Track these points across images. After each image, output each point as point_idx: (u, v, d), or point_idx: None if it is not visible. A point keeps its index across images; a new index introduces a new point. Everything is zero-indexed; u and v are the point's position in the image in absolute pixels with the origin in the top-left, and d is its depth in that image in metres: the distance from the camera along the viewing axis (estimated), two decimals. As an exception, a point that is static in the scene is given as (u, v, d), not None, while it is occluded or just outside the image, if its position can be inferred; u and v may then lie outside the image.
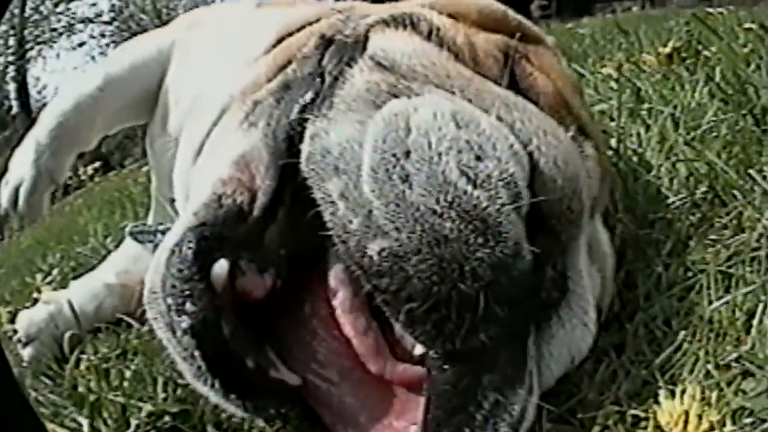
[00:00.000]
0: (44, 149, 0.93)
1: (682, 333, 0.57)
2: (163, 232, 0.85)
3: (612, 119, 1.06)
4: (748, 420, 0.46)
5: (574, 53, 1.64)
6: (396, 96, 0.48)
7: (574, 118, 0.56)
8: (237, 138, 0.55)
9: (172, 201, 0.89)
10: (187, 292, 0.45)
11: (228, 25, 0.86)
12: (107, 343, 0.89)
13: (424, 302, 0.40)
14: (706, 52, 1.05)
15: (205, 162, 0.61)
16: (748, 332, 0.54)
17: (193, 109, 0.75)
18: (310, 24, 0.68)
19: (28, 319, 1.02)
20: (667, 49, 1.11)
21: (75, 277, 1.28)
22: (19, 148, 0.98)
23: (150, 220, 1.04)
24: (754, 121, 0.81)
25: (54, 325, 0.99)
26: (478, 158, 0.42)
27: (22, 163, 0.95)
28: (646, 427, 0.48)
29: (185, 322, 0.45)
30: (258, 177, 0.50)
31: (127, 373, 0.73)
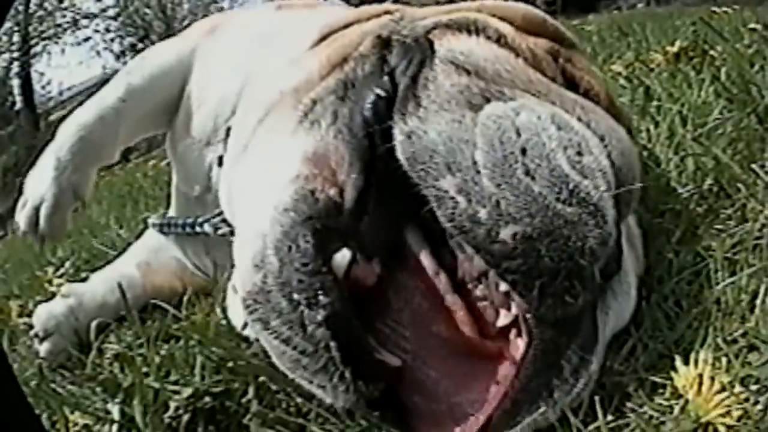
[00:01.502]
0: (66, 164, 0.91)
1: (693, 312, 0.62)
2: (192, 225, 0.87)
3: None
4: (755, 387, 0.52)
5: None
6: (488, 99, 0.52)
7: (621, 116, 0.62)
8: (298, 136, 0.56)
9: (197, 198, 0.91)
10: (317, 285, 0.47)
11: (252, 30, 0.88)
12: (132, 331, 0.89)
13: (554, 277, 0.46)
14: (712, 52, 1.10)
15: (256, 160, 0.61)
16: (752, 311, 0.60)
17: (235, 109, 0.76)
18: (357, 23, 0.70)
19: (47, 313, 1.01)
20: (675, 49, 1.16)
21: (89, 270, 1.30)
22: (36, 167, 0.94)
23: (171, 213, 1.05)
24: (758, 120, 0.86)
25: (74, 318, 0.99)
26: (580, 153, 0.49)
27: (41, 182, 0.92)
28: (663, 393, 0.53)
29: (320, 314, 0.46)
30: (340, 172, 0.52)
31: (156, 359, 0.74)
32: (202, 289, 1.01)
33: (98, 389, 0.74)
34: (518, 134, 0.49)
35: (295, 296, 0.47)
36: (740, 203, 0.75)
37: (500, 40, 0.59)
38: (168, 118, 0.95)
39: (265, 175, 0.56)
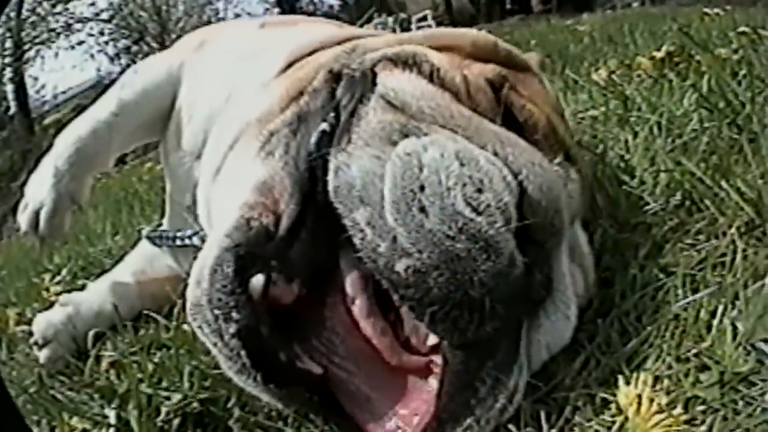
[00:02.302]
0: (64, 174, 0.98)
1: (649, 328, 0.63)
2: (181, 239, 0.92)
3: (603, 124, 1.12)
4: (701, 408, 0.53)
5: (571, 55, 1.68)
6: (407, 135, 0.56)
7: (561, 145, 0.64)
8: (256, 165, 0.61)
9: (188, 208, 0.96)
10: (232, 304, 0.53)
11: (236, 47, 0.92)
12: (126, 340, 0.94)
13: (442, 306, 0.49)
14: (698, 57, 1.10)
15: (225, 184, 0.68)
16: (708, 330, 0.61)
17: (212, 131, 0.81)
18: (317, 51, 0.74)
19: (46, 322, 1.06)
20: (661, 54, 1.16)
21: (85, 277, 1.35)
22: (36, 173, 1.02)
23: (165, 224, 1.09)
24: (737, 130, 0.86)
25: (72, 326, 1.04)
26: (479, 190, 0.51)
27: (41, 187, 0.99)
28: (611, 409, 0.55)
29: (232, 327, 0.53)
30: (282, 201, 0.57)
31: (150, 366, 0.78)
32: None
33: (96, 395, 0.78)
34: (420, 170, 0.52)
35: (216, 312, 0.54)
36: (711, 218, 0.75)
37: (433, 74, 0.62)
38: (160, 128, 0.99)
39: (228, 200, 0.62)
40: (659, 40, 1.45)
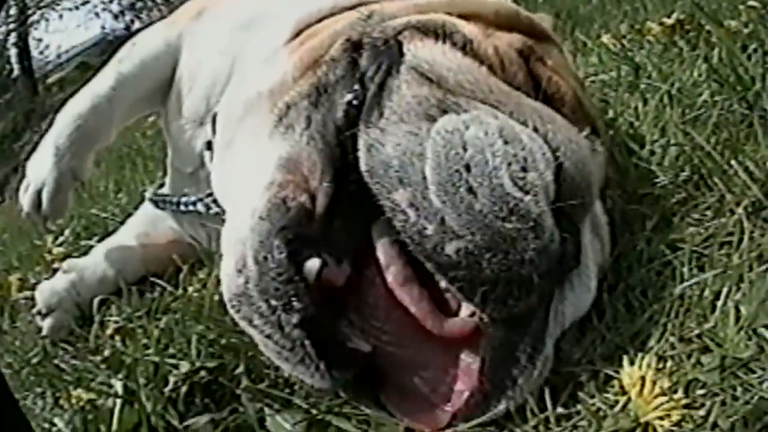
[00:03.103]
0: (65, 151, 0.97)
1: (655, 306, 0.64)
2: (186, 204, 0.91)
3: (614, 89, 1.10)
4: (701, 392, 0.54)
5: (580, 17, 1.63)
6: (445, 111, 0.54)
7: (587, 117, 0.64)
8: (275, 141, 0.59)
9: (190, 175, 0.95)
10: (291, 293, 0.51)
11: (236, 14, 0.88)
12: (131, 304, 0.94)
13: (494, 286, 0.50)
14: (708, 27, 1.08)
15: (241, 159, 0.65)
16: (713, 311, 0.61)
17: (220, 104, 0.78)
18: (327, 18, 0.71)
19: (49, 290, 1.07)
20: (671, 21, 1.13)
21: (88, 237, 1.35)
22: (36, 152, 1.01)
23: (166, 187, 1.08)
24: (747, 106, 0.85)
25: (76, 293, 1.05)
26: (524, 169, 0.51)
27: (42, 166, 0.98)
28: (613, 386, 0.56)
29: (295, 318, 0.51)
30: (313, 179, 0.55)
31: (156, 332, 0.78)
32: (198, 259, 1.05)
33: (102, 366, 0.79)
34: (464, 149, 0.50)
35: (273, 302, 0.51)
36: (719, 194, 0.75)
37: (466, 46, 0.60)
38: (161, 98, 0.97)
39: (245, 177, 0.60)
40: (669, 6, 1.40)
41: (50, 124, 0.99)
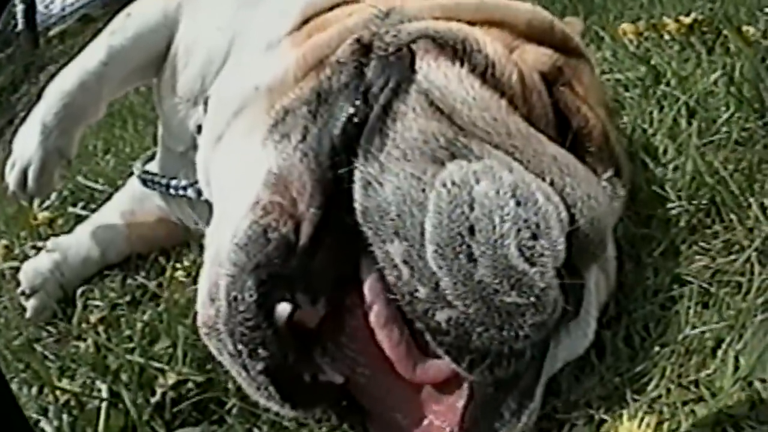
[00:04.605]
0: (51, 129, 0.93)
1: (656, 348, 0.63)
2: (175, 188, 0.87)
3: (627, 89, 1.06)
4: None
5: (595, 5, 1.55)
6: (454, 155, 0.49)
7: (612, 156, 0.59)
8: (268, 150, 0.54)
9: (181, 155, 0.90)
10: (258, 341, 0.48)
11: None
12: (114, 286, 0.94)
13: (482, 356, 0.47)
14: (725, 32, 1.03)
15: (230, 158, 0.61)
16: (713, 356, 0.60)
17: (213, 89, 0.74)
18: (341, 5, 0.64)
19: (33, 270, 1.04)
20: (688, 20, 1.08)
21: (73, 203, 1.31)
22: (23, 129, 0.96)
23: (156, 164, 1.03)
24: (766, 131, 0.82)
25: (59, 273, 1.03)
26: (535, 236, 0.46)
27: (28, 144, 0.94)
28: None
29: (260, 365, 0.49)
30: (301, 202, 0.51)
31: (139, 326, 0.77)
32: (185, 241, 1.02)
33: (86, 360, 0.77)
34: (471, 208, 0.46)
35: (239, 346, 0.49)
36: (731, 226, 0.73)
37: (486, 72, 0.53)
38: (154, 71, 0.92)
39: (232, 181, 0.57)
40: (686, 4, 1.33)
41: (39, 97, 0.95)
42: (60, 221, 1.27)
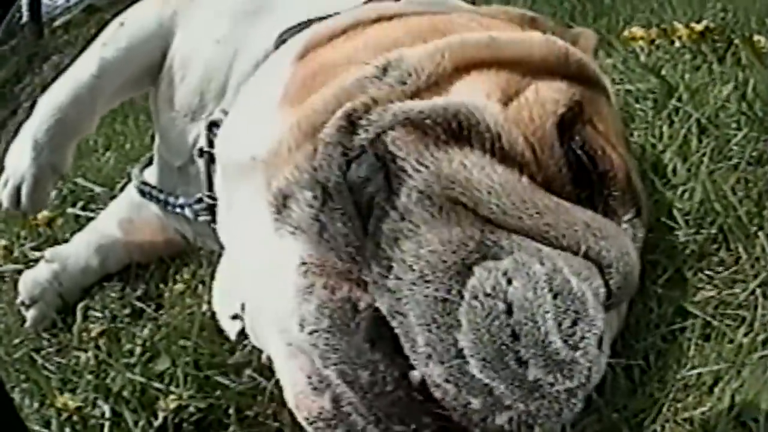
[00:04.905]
0: (43, 146, 0.91)
1: (656, 384, 0.63)
2: (173, 206, 0.85)
3: (637, 101, 1.03)
4: None
5: (605, 6, 1.50)
6: (484, 256, 0.45)
7: (634, 197, 0.57)
8: (285, 240, 0.50)
9: (179, 169, 0.89)
10: (404, 411, 0.46)
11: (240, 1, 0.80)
12: (114, 296, 0.94)
13: None
14: (737, 41, 1.00)
15: (243, 233, 0.58)
16: (711, 393, 0.61)
17: (224, 87, 0.73)
18: (346, 32, 0.62)
19: (32, 281, 1.04)
20: (700, 27, 1.05)
21: (73, 202, 1.30)
22: (15, 144, 0.95)
23: (152, 172, 1.01)
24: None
25: (58, 283, 1.03)
26: (575, 323, 0.45)
27: (21, 161, 0.93)
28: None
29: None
30: (351, 274, 0.47)
31: (138, 341, 0.78)
32: (184, 251, 1.02)
33: (87, 375, 0.78)
34: (509, 314, 0.44)
35: (383, 425, 0.46)
36: (737, 255, 0.71)
37: (494, 147, 0.49)
38: (150, 80, 0.90)
39: (255, 263, 0.53)
40: (697, 11, 1.29)
41: (32, 108, 0.93)
42: (59, 221, 1.26)
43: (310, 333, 0.46)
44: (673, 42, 1.08)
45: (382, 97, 0.51)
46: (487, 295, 0.44)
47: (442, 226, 0.46)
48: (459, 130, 0.49)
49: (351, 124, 0.51)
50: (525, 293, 0.44)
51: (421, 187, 0.47)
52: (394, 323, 0.45)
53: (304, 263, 0.48)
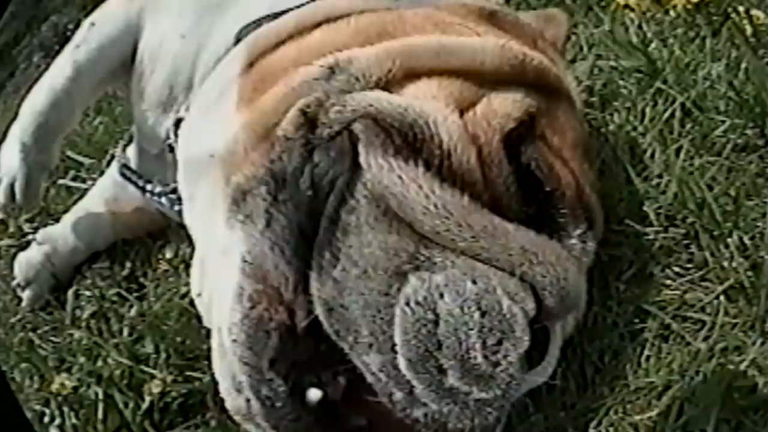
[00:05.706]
0: (30, 148, 0.96)
1: (605, 388, 0.64)
2: (150, 192, 0.87)
3: (621, 78, 0.99)
4: None
5: None
6: (417, 267, 0.48)
7: (585, 210, 0.57)
8: (235, 230, 0.53)
9: (156, 156, 0.91)
10: (301, 428, 0.50)
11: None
12: (103, 273, 0.98)
13: None
14: (733, 15, 0.94)
15: (202, 223, 0.61)
16: (659, 399, 0.61)
17: (191, 79, 0.74)
18: (295, 36, 0.61)
19: (26, 263, 1.10)
20: (695, -1, 0.99)
21: (64, 172, 1.33)
22: (5, 146, 1.00)
23: (131, 152, 1.03)
24: (764, 142, 0.77)
25: (50, 264, 1.08)
26: (500, 341, 0.48)
27: (11, 160, 0.98)
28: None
29: None
30: (285, 291, 0.50)
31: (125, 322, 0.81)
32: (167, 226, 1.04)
33: (80, 357, 0.83)
34: (436, 325, 0.47)
35: (272, 422, 0.50)
36: (706, 257, 0.70)
37: (443, 166, 0.50)
38: (125, 74, 0.92)
39: (211, 253, 0.57)
40: None
41: (17, 113, 0.99)
42: (51, 192, 1.29)
43: (232, 341, 0.50)
44: (667, 11, 1.02)
45: (333, 93, 0.53)
46: (418, 303, 0.47)
47: (383, 231, 0.49)
48: (413, 140, 0.50)
49: (309, 120, 0.53)
50: (453, 309, 0.47)
51: (369, 187, 0.50)
52: (332, 320, 0.48)
53: (245, 261, 0.51)
